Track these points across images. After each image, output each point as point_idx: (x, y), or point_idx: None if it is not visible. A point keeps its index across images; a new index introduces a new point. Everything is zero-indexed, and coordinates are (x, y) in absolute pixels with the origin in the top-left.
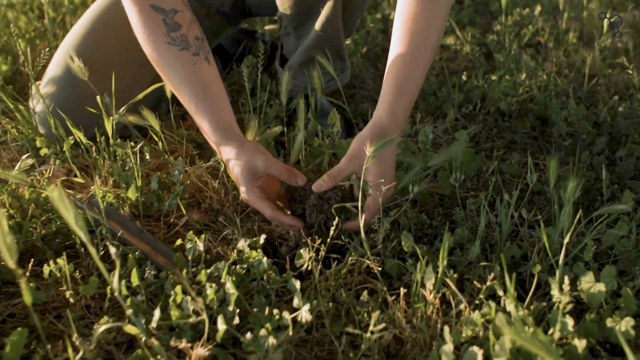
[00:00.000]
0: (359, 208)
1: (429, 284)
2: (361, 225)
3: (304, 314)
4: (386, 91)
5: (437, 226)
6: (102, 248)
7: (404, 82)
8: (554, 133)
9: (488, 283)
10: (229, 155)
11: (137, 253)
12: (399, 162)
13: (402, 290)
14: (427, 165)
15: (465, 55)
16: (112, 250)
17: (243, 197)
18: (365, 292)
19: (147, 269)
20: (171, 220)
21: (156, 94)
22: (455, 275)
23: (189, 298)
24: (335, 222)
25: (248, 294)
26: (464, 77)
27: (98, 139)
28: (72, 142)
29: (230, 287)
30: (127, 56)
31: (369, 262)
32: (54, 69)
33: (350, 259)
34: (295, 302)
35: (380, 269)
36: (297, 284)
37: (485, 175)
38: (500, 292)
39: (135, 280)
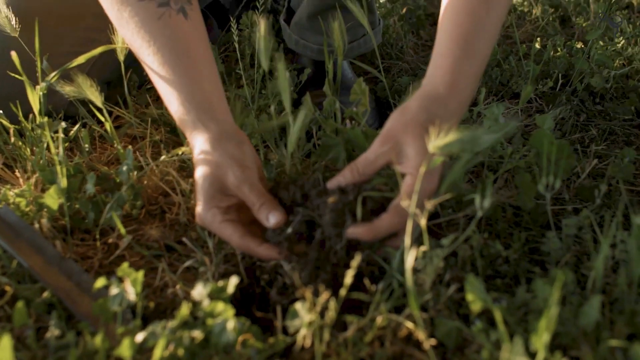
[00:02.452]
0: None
1: None
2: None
3: None
4: (443, 51)
5: (518, 261)
6: None
7: (470, 39)
8: None
9: None
10: (196, 151)
11: (45, 294)
12: None
13: None
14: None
15: (534, 20)
16: None
17: (196, 218)
18: None
19: (51, 323)
20: (109, 240)
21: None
22: None
23: None
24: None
25: None
26: (537, 45)
27: (22, 118)
28: None
29: None
30: (78, 6)
31: (409, 324)
32: None
33: (379, 318)
34: None
35: (427, 337)
36: None
37: (580, 180)
38: None
39: (5, 356)
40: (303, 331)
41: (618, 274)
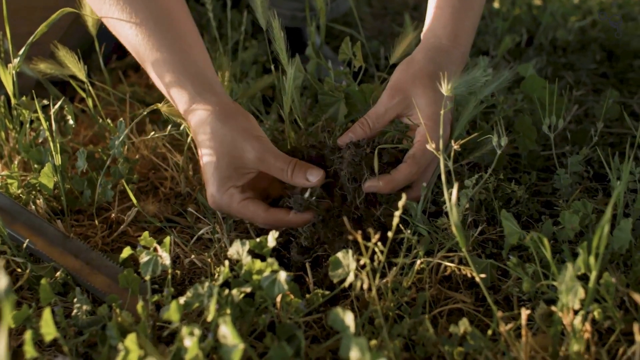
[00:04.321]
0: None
1: (570, 299)
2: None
3: None
4: (440, 3)
5: (527, 200)
6: None
7: None
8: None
9: None
10: (199, 128)
11: (58, 274)
12: None
13: (524, 312)
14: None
15: None
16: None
17: (210, 202)
18: (465, 323)
19: (75, 300)
20: (112, 216)
21: (84, 40)
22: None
23: None
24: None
25: (254, 337)
26: (495, 5)
27: None
28: None
29: (229, 334)
30: None
31: (450, 264)
32: None
33: (420, 261)
34: (355, 357)
35: (470, 274)
36: (349, 318)
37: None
38: None
39: (49, 329)
40: (350, 278)
41: (637, 201)
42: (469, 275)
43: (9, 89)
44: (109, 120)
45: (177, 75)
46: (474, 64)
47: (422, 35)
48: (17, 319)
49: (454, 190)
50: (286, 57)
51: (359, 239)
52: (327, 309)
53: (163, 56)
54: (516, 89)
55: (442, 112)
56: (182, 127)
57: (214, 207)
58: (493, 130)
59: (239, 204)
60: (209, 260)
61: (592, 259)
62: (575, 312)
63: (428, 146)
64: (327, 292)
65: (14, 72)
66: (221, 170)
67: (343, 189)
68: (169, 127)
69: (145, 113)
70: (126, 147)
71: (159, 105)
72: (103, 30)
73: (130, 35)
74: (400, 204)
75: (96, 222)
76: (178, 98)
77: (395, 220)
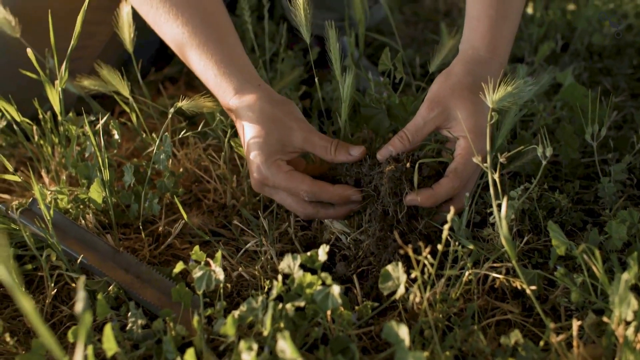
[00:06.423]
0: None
1: (623, 311)
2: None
3: None
4: (478, 13)
5: (571, 209)
6: (52, 284)
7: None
8: None
9: None
10: (246, 112)
11: (111, 288)
12: None
13: (575, 323)
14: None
15: None
16: (80, 297)
17: (256, 182)
18: (517, 334)
19: (129, 314)
20: (159, 229)
21: (121, 54)
22: None
23: None
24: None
25: (306, 349)
26: (529, 11)
27: (42, 117)
28: (4, 123)
29: (287, 348)
30: (74, 0)
31: (497, 275)
32: None
33: (467, 272)
34: None
35: (518, 286)
36: (403, 331)
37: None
38: None
39: (110, 344)
40: (401, 290)
41: None
42: (518, 286)
43: (56, 105)
44: (154, 135)
45: (223, 67)
46: (511, 71)
47: (459, 46)
48: (76, 334)
49: (504, 204)
50: (339, 68)
51: (410, 252)
52: (376, 320)
53: (209, 52)
54: (554, 95)
55: (488, 124)
56: (226, 137)
57: (259, 179)
58: (533, 139)
59: (286, 173)
60: (257, 272)
61: None
62: (628, 323)
63: (474, 159)
64: (376, 304)
65: (60, 88)
66: (270, 144)
67: (384, 203)
68: (209, 137)
69: (183, 126)
70: (170, 160)
71: (198, 98)
72: (139, 43)
73: (177, 33)
74: (449, 217)
75: (143, 235)
76: (224, 88)
77: (445, 234)
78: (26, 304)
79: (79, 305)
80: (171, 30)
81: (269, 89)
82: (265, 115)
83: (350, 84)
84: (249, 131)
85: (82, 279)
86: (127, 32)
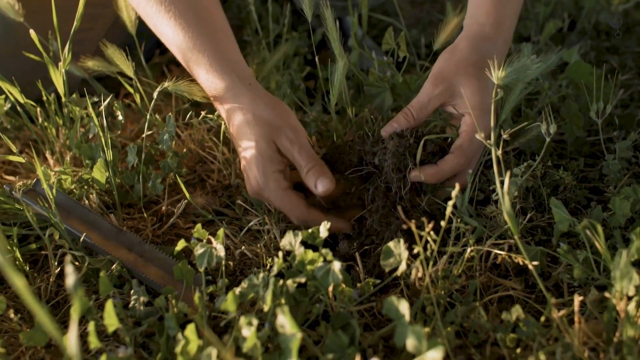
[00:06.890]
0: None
1: (624, 286)
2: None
3: None
4: None
5: (575, 187)
6: (55, 263)
7: None
8: None
9: None
10: (237, 115)
11: (114, 267)
12: None
13: (577, 299)
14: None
15: None
16: (69, 272)
17: (252, 189)
18: (518, 309)
19: (131, 292)
20: (162, 209)
21: (125, 37)
22: None
23: (212, 352)
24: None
25: (307, 326)
26: None
27: (46, 99)
28: (9, 106)
29: (287, 323)
30: None
31: (500, 252)
32: None
33: (470, 248)
34: (411, 345)
35: (522, 262)
36: (404, 306)
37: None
38: None
39: (112, 320)
40: (403, 266)
41: None
42: (520, 262)
43: (60, 87)
44: (157, 116)
45: (215, 67)
46: (517, 50)
47: (464, 22)
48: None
49: (506, 180)
50: (339, 47)
51: (413, 228)
52: (378, 297)
53: (201, 47)
54: (559, 74)
55: (492, 100)
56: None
57: (255, 189)
58: (538, 117)
59: (284, 191)
60: (260, 251)
61: None
62: (629, 298)
63: (477, 136)
64: (377, 281)
65: (63, 70)
66: (263, 152)
67: (387, 179)
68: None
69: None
70: (173, 141)
71: (191, 86)
72: (144, 26)
73: (169, 27)
74: (454, 193)
75: (146, 215)
76: (217, 88)
77: (449, 210)
78: (18, 281)
79: (70, 280)
80: (163, 23)
81: (260, 90)
82: (260, 119)
83: (343, 67)
84: (240, 135)
85: (69, 257)
86: (126, 15)
